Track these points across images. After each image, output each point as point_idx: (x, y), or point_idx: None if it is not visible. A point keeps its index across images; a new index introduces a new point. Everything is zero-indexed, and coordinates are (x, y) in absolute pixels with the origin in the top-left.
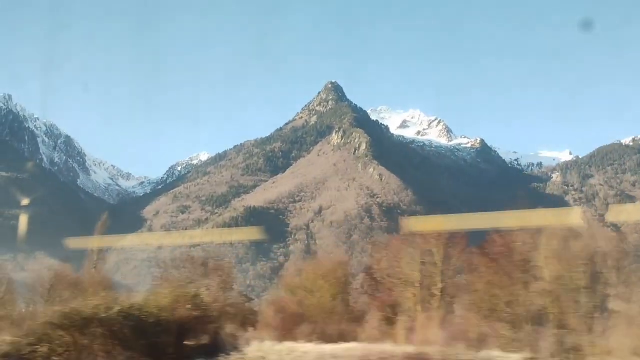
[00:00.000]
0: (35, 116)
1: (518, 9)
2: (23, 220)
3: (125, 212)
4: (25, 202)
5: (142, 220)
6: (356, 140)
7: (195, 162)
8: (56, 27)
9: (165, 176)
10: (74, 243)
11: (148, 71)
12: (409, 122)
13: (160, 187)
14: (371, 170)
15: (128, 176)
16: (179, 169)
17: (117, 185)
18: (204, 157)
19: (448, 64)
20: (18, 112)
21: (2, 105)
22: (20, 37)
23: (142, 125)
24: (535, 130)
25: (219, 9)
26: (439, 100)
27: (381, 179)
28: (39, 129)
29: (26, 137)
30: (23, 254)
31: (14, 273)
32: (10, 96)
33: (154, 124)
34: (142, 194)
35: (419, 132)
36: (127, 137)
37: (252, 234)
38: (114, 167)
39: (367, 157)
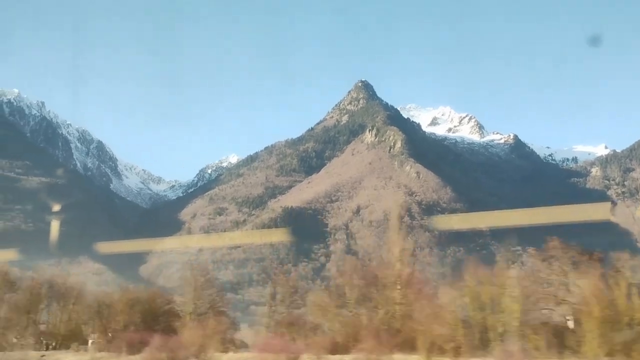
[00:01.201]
0: (68, 122)
1: (544, 1)
2: (55, 226)
3: (159, 215)
4: (56, 207)
5: (179, 223)
6: (390, 138)
7: (224, 164)
8: (86, 37)
9: (196, 179)
10: (114, 247)
11: (174, 75)
12: (439, 119)
13: (191, 190)
14: (408, 168)
15: (159, 180)
16: (209, 171)
17: (149, 189)
18: (233, 159)
19: (477, 61)
20: (51, 119)
21: (35, 112)
22: (51, 45)
23: (171, 128)
24: (568, 124)
25: (245, 9)
26: (469, 96)
27: (418, 177)
28: (71, 134)
29: (60, 143)
30: (67, 258)
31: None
32: (43, 103)
33: (183, 127)
34: (174, 197)
35: (449, 129)
36: (156, 141)
37: (282, 235)
38: (144, 171)
39: (402, 155)
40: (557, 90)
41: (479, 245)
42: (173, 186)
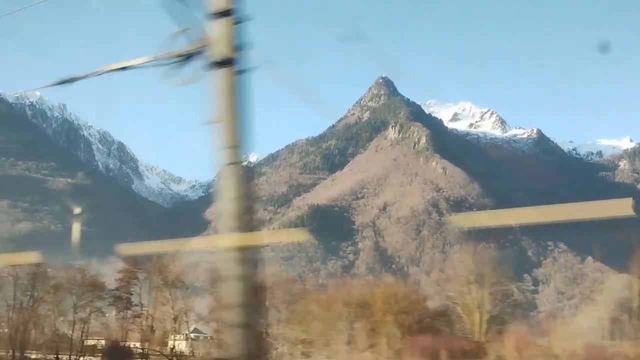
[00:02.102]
0: (89, 124)
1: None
2: (76, 229)
3: (183, 215)
4: (77, 210)
5: (204, 223)
6: (414, 135)
7: (245, 163)
8: (105, 36)
9: (217, 178)
10: (142, 248)
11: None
12: (460, 114)
13: (212, 189)
14: (433, 164)
15: (179, 180)
16: None
17: (169, 189)
18: (253, 158)
19: (496, 55)
20: (72, 121)
21: (57, 114)
22: (69, 44)
23: (190, 128)
24: (590, 118)
25: (261, 4)
26: (490, 91)
27: (445, 173)
28: (93, 136)
29: (82, 145)
30: (96, 258)
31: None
32: (64, 105)
33: (201, 127)
34: (195, 197)
35: (471, 125)
36: (175, 141)
37: (303, 233)
38: (164, 171)
39: (427, 150)
40: (578, 84)
41: (509, 242)
42: (193, 186)
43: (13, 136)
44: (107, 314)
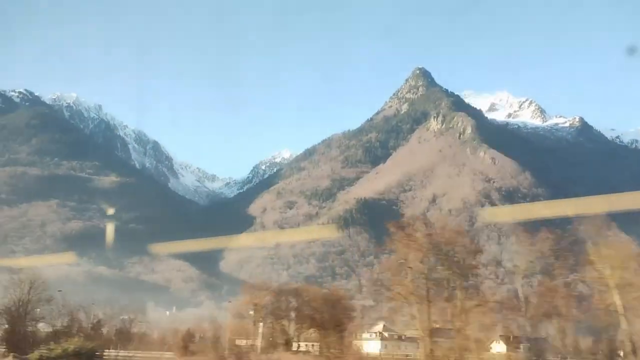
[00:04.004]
0: (124, 124)
1: None
2: (110, 229)
3: (222, 212)
4: (110, 211)
5: (248, 219)
6: (459, 125)
7: (278, 159)
8: (142, 38)
9: (251, 175)
10: (190, 245)
11: (224, 73)
12: (497, 104)
13: (247, 186)
14: (481, 154)
15: (213, 177)
16: (263, 167)
17: (205, 187)
18: (286, 154)
19: (533, 44)
20: (108, 121)
21: (94, 115)
22: (108, 48)
23: (222, 126)
24: (630, 104)
25: (294, 3)
26: (527, 80)
27: (494, 163)
28: (128, 135)
29: (118, 144)
30: (148, 256)
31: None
32: (100, 106)
33: (233, 125)
34: (231, 195)
35: (509, 115)
36: (208, 139)
37: (332, 230)
38: (199, 169)
39: (474, 141)
40: (617, 71)
41: (567, 232)
42: (228, 183)
43: (55, 137)
44: None
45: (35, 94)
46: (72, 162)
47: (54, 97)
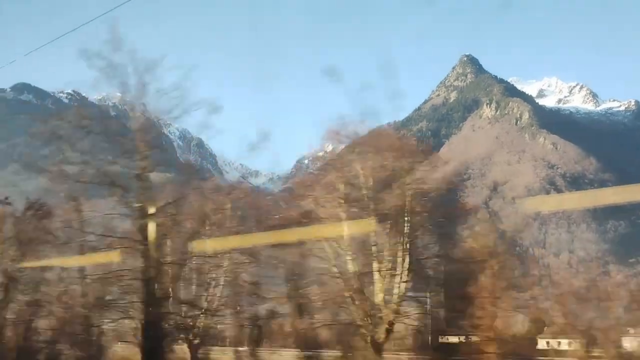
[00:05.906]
0: (168, 122)
1: None
2: (152, 228)
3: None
4: (152, 210)
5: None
6: (514, 111)
7: (320, 153)
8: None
9: (294, 170)
10: (232, 242)
11: (262, 65)
12: (546, 90)
13: (290, 181)
14: (541, 140)
15: (256, 173)
16: (306, 161)
17: (249, 182)
18: (329, 147)
19: (582, 28)
20: (153, 119)
21: (138, 113)
22: (144, 43)
23: (262, 121)
24: None
25: None
26: (575, 64)
27: (556, 149)
28: (172, 133)
29: (163, 142)
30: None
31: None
32: (144, 104)
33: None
34: (275, 190)
35: (559, 100)
36: (248, 134)
37: (370, 224)
38: (242, 165)
39: (532, 127)
40: None
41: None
42: (271, 179)
43: (105, 136)
44: None
45: (83, 95)
46: (124, 160)
47: (99, 97)
